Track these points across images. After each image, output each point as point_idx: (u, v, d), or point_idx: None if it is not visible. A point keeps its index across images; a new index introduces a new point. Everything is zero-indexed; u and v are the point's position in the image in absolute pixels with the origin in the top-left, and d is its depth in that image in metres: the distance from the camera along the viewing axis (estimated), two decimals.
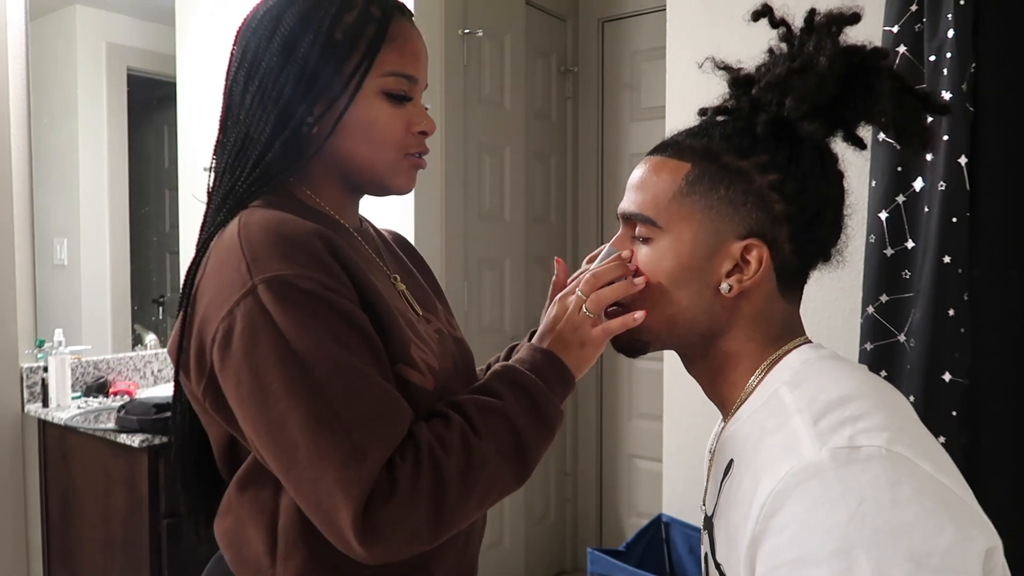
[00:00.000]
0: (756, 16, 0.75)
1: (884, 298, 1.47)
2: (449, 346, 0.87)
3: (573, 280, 0.80)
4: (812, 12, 0.72)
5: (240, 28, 0.82)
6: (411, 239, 2.28)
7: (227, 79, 0.81)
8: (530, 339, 1.00)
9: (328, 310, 0.68)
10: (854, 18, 0.70)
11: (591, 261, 0.89)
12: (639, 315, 0.73)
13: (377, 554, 0.65)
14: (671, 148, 0.74)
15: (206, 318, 0.70)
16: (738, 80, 0.74)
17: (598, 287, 0.75)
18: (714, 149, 0.71)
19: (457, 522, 0.68)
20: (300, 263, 0.68)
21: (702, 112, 0.78)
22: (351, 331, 0.69)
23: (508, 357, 0.99)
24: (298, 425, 0.65)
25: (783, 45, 0.73)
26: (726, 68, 0.75)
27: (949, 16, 1.35)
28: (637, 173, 0.75)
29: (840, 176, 0.73)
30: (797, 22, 0.73)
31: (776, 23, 0.74)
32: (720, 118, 0.76)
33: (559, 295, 0.80)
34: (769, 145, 0.70)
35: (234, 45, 0.82)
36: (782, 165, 0.69)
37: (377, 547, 0.64)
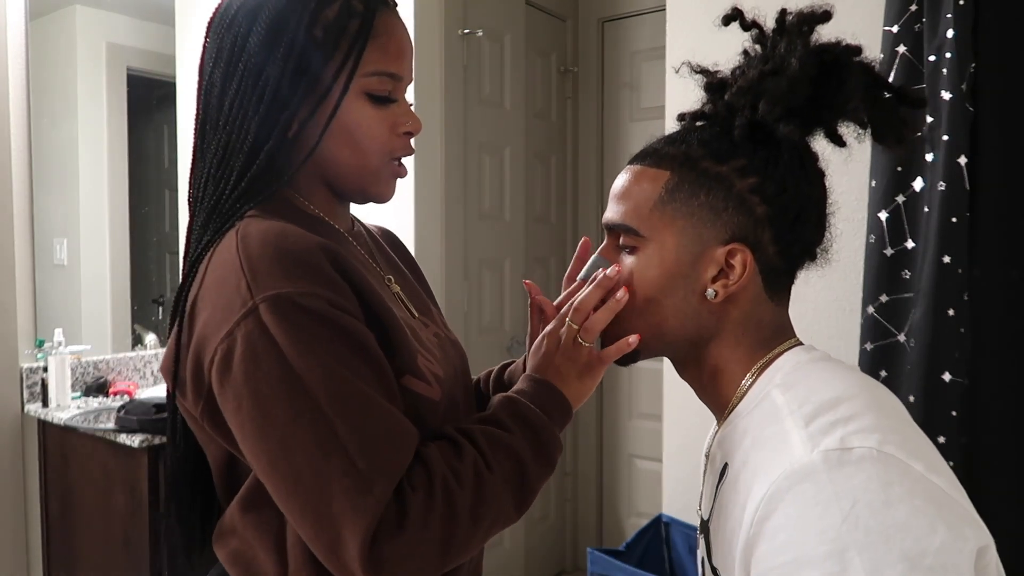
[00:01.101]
0: (727, 20, 0.75)
1: (884, 298, 1.47)
2: (448, 351, 0.85)
3: (563, 310, 0.79)
4: (783, 13, 0.71)
5: (212, 20, 0.76)
6: (411, 239, 2.28)
7: (201, 76, 0.76)
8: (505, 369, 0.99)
9: (332, 330, 0.65)
10: (824, 16, 0.70)
11: (571, 280, 0.87)
12: (633, 339, 0.73)
13: None
14: (650, 157, 0.73)
15: (204, 337, 0.66)
16: (713, 84, 0.74)
17: (587, 313, 0.75)
18: (692, 155, 0.71)
19: (463, 556, 0.67)
20: (303, 280, 0.65)
21: (680, 117, 0.78)
22: (356, 351, 0.66)
23: (501, 374, 0.98)
24: (302, 453, 0.62)
25: (757, 47, 0.73)
26: (702, 72, 0.75)
27: (949, 16, 1.35)
28: (618, 183, 0.75)
29: (821, 175, 0.73)
30: (771, 23, 0.73)
31: (747, 26, 0.74)
32: (698, 123, 0.76)
33: (548, 329, 0.79)
34: (747, 149, 0.70)
35: (206, 38, 0.77)
36: (760, 168, 0.69)
37: None
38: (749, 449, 0.65)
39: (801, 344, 0.74)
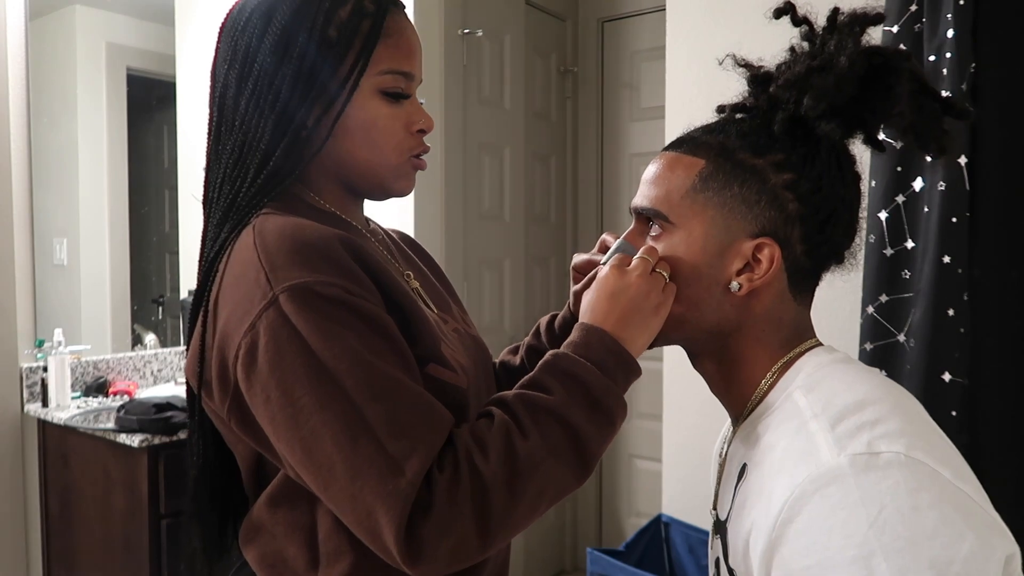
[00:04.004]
0: (778, 13, 0.74)
1: (884, 298, 1.47)
2: (468, 345, 0.84)
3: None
4: (835, 11, 0.71)
5: (224, 23, 0.77)
6: None
7: (215, 79, 0.77)
8: (548, 323, 0.96)
9: (353, 316, 0.65)
10: (877, 18, 0.70)
11: (585, 268, 0.88)
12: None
13: (424, 570, 0.62)
14: (687, 144, 0.73)
15: (226, 334, 0.66)
16: (757, 77, 0.73)
17: (657, 252, 0.71)
18: (729, 146, 0.70)
19: (508, 530, 0.64)
20: (321, 269, 0.65)
21: (720, 109, 0.77)
22: (379, 337, 0.66)
23: (551, 329, 0.96)
24: (332, 440, 0.61)
25: (804, 43, 0.72)
26: (746, 65, 0.74)
27: (949, 16, 1.35)
28: (652, 168, 0.74)
29: (857, 178, 0.72)
30: (820, 21, 0.72)
31: (798, 21, 0.73)
32: (738, 115, 0.75)
33: (604, 267, 0.73)
34: (785, 144, 0.69)
35: (219, 41, 0.77)
36: (797, 164, 0.68)
37: (422, 563, 0.61)
38: (770, 450, 0.65)
39: (821, 345, 0.73)
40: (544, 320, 0.98)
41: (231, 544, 0.82)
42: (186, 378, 0.75)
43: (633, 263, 0.71)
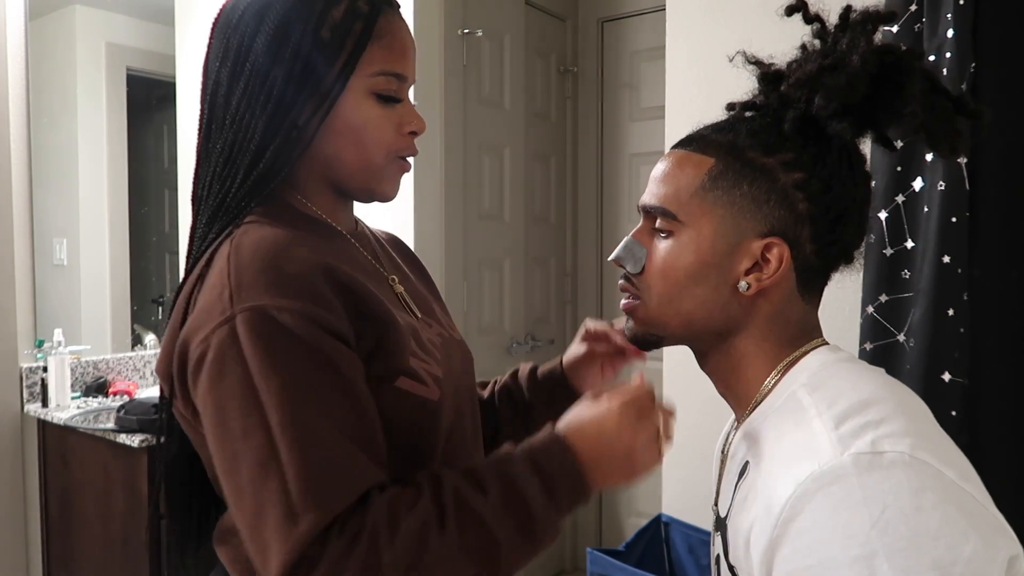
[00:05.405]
0: (790, 11, 0.73)
1: (883, 298, 1.47)
2: (452, 351, 0.84)
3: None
4: (848, 9, 0.70)
5: (217, 21, 0.77)
6: (411, 239, 2.28)
7: (207, 77, 0.77)
8: (531, 374, 0.98)
9: (304, 350, 0.64)
10: (889, 17, 0.69)
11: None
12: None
13: None
14: (696, 142, 0.72)
15: (187, 340, 0.68)
16: (768, 75, 0.73)
17: (670, 417, 0.72)
18: (739, 145, 0.70)
19: None
20: (286, 293, 0.65)
21: (730, 107, 0.77)
22: (326, 375, 0.65)
23: (517, 380, 0.97)
24: (248, 469, 0.62)
25: (816, 42, 0.71)
26: (757, 63, 0.74)
27: (949, 16, 1.35)
28: (660, 166, 0.74)
29: (867, 178, 0.72)
30: (832, 19, 0.72)
31: (810, 19, 0.72)
32: (748, 114, 0.75)
33: (616, 397, 0.71)
34: (796, 143, 0.69)
35: (211, 38, 0.77)
36: (808, 164, 0.68)
37: None
38: (773, 448, 0.65)
39: (827, 344, 0.73)
40: (526, 366, 0.98)
41: (207, 541, 0.82)
42: (156, 373, 0.76)
43: (649, 424, 0.70)
